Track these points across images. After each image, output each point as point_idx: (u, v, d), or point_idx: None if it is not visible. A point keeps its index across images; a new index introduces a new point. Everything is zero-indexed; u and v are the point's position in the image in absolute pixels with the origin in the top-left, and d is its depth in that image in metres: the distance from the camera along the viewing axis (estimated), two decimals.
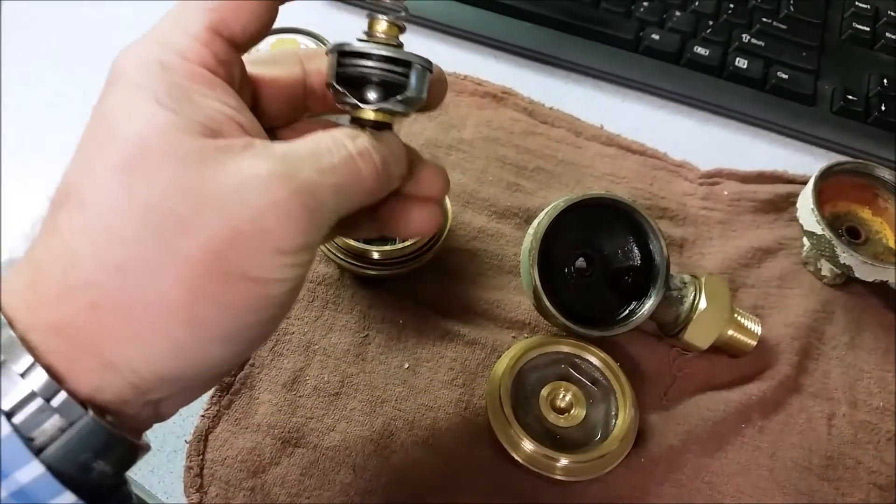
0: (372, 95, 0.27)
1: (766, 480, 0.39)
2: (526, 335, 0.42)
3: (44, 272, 0.22)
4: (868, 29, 0.58)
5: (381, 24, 0.28)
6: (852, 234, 0.46)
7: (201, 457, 0.36)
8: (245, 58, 0.28)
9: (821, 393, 0.42)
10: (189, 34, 0.25)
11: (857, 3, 0.60)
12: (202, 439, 0.37)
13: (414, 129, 0.50)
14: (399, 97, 0.27)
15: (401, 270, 0.42)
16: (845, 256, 0.43)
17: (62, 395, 0.21)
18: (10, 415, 0.21)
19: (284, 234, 0.23)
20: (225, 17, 0.25)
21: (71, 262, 0.22)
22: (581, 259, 0.42)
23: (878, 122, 0.53)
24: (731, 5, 0.57)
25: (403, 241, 0.41)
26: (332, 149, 0.25)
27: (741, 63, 0.55)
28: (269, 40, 0.48)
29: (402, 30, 0.28)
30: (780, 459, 0.39)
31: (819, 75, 0.56)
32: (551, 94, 0.53)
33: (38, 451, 0.21)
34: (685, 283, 0.41)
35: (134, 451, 0.24)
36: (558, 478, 0.36)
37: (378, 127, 0.27)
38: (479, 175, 0.48)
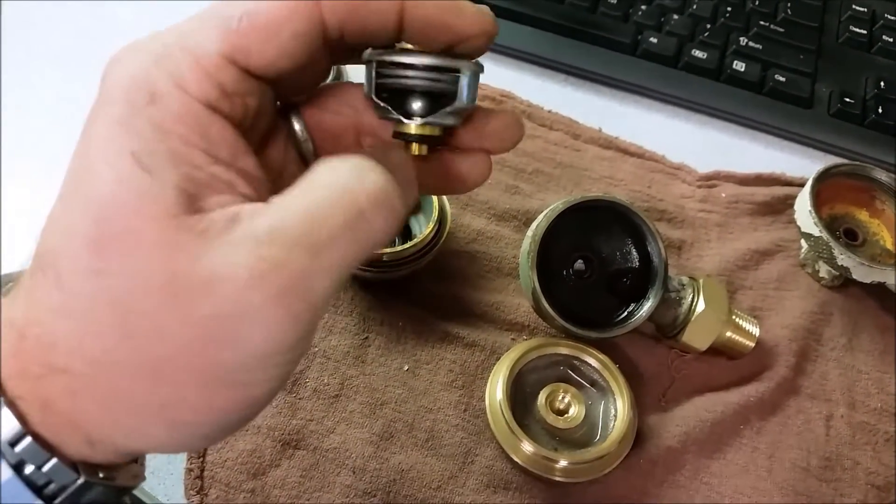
0: (417, 108, 0.24)
1: (764, 481, 0.39)
2: (525, 337, 0.42)
3: (26, 344, 0.21)
4: (865, 32, 0.59)
5: None
6: (850, 236, 0.46)
7: (202, 459, 0.36)
8: None
9: (819, 394, 0.42)
10: (195, 57, 0.21)
11: (853, 6, 0.60)
12: None
13: None
14: (448, 109, 0.24)
15: (400, 273, 0.42)
16: (843, 258, 0.43)
17: (53, 461, 0.21)
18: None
19: (265, 340, 0.20)
20: (247, 47, 0.22)
21: (50, 344, 0.20)
22: (580, 261, 0.42)
23: (874, 124, 0.54)
24: (729, 9, 0.58)
25: (403, 243, 0.41)
26: (336, 203, 0.21)
27: (738, 66, 0.55)
28: None
29: None
30: (779, 460, 0.40)
31: (816, 78, 0.56)
32: (550, 98, 0.54)
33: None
34: (683, 285, 0.41)
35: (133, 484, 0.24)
36: (558, 479, 0.36)
37: (424, 141, 0.25)
38: None
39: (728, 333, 0.41)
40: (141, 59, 0.22)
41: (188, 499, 0.36)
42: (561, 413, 0.38)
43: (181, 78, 0.21)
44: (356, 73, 0.48)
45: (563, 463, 0.36)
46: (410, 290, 0.43)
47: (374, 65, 0.24)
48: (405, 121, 0.24)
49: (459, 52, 0.24)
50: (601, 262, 0.42)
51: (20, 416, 0.21)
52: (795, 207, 0.46)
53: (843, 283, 0.46)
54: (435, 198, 0.42)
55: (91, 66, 0.56)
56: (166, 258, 0.20)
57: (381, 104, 0.24)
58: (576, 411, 0.38)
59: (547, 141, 0.51)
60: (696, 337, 0.40)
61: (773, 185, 0.51)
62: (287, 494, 0.36)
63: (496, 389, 0.38)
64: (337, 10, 0.22)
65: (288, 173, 0.26)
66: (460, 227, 0.46)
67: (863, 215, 0.47)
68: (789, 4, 0.58)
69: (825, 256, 0.44)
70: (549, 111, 0.53)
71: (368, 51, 0.24)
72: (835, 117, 0.54)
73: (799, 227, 0.45)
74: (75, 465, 0.21)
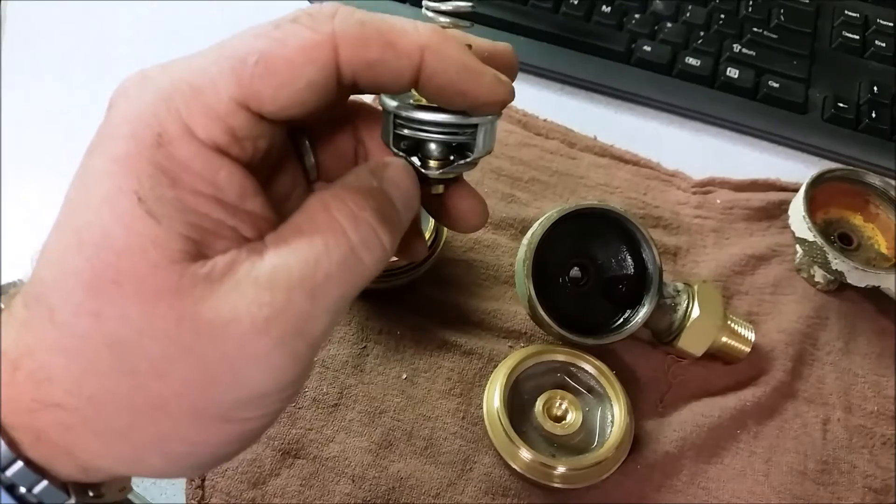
0: (434, 156, 0.25)
1: (761, 486, 0.39)
2: (522, 344, 0.43)
3: (19, 376, 0.21)
4: (858, 37, 0.59)
5: None
6: (844, 241, 0.46)
7: None
8: None
9: (815, 398, 0.42)
10: (206, 99, 0.21)
11: (846, 11, 0.60)
12: None
13: None
14: (464, 161, 0.25)
15: (398, 282, 0.42)
16: (837, 262, 0.43)
17: (44, 483, 0.21)
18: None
19: (266, 381, 0.21)
20: (260, 92, 0.21)
21: (44, 378, 0.21)
22: (575, 268, 0.42)
23: (868, 129, 0.54)
24: (722, 16, 0.58)
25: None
26: (331, 246, 0.21)
27: (732, 73, 0.55)
28: None
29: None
30: (776, 464, 0.40)
31: (810, 84, 0.56)
32: (545, 107, 0.54)
33: None
34: (678, 291, 0.41)
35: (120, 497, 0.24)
36: (556, 485, 0.36)
37: (441, 183, 0.26)
38: (474, 186, 0.49)
39: (724, 338, 0.41)
40: (149, 95, 0.21)
41: None
42: (558, 419, 0.39)
43: (191, 121, 0.21)
44: None
45: (560, 469, 0.36)
46: (408, 299, 0.43)
47: (392, 116, 0.25)
48: (423, 171, 0.25)
49: (474, 114, 0.24)
50: (597, 269, 0.42)
51: (12, 443, 0.21)
52: (790, 212, 0.46)
53: (839, 287, 0.46)
54: None
55: (91, 67, 0.56)
56: (170, 303, 0.20)
57: (400, 154, 0.25)
58: (573, 418, 0.38)
59: (543, 149, 0.52)
60: (692, 342, 0.40)
61: (768, 191, 0.51)
62: (287, 503, 0.36)
63: (494, 397, 0.38)
64: (354, 62, 0.22)
65: (296, 195, 0.27)
66: (457, 235, 0.46)
67: (857, 220, 0.48)
68: (782, 11, 0.59)
69: (820, 261, 0.44)
70: (545, 120, 0.54)
71: (387, 98, 0.25)
72: (829, 122, 0.55)
73: (794, 232, 0.45)
74: (66, 487, 0.21)
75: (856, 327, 0.46)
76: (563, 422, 0.38)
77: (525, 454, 0.36)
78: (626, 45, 0.56)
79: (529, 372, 0.40)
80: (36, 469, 0.21)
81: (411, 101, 0.25)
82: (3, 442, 0.21)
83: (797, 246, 0.46)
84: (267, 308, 0.20)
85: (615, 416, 0.39)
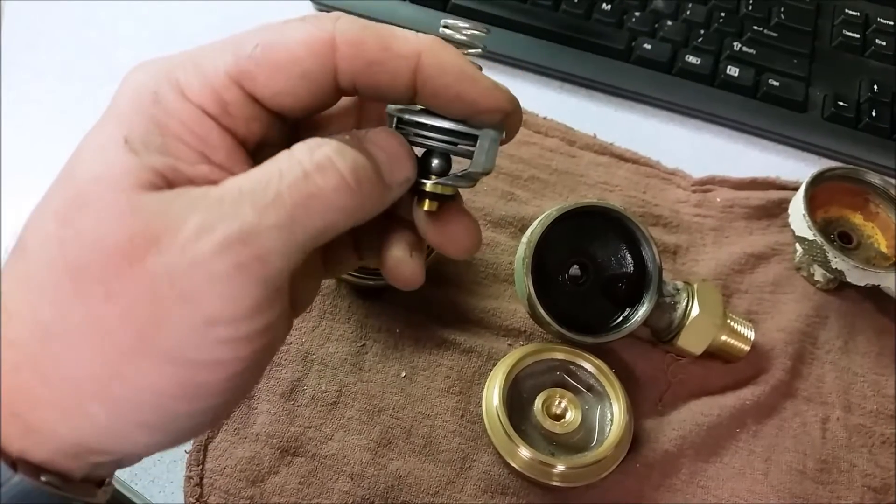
0: (433, 167, 0.24)
1: (760, 484, 0.39)
2: (521, 343, 0.43)
3: None
4: (858, 36, 0.59)
5: None
6: (844, 239, 0.46)
7: (201, 466, 0.37)
8: None
9: (815, 397, 0.42)
10: (203, 73, 0.22)
11: (846, 10, 0.60)
12: (202, 449, 0.37)
13: None
14: (460, 173, 0.24)
15: None
16: (837, 261, 0.43)
17: None
18: None
19: (216, 300, 0.19)
20: (254, 74, 0.22)
21: (7, 317, 0.20)
22: (575, 267, 0.42)
23: (868, 127, 0.54)
24: (722, 14, 0.58)
25: None
26: (284, 171, 0.21)
27: (733, 71, 0.55)
28: None
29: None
30: (775, 463, 0.40)
31: (810, 82, 0.56)
32: (545, 105, 0.54)
33: None
34: (678, 290, 0.41)
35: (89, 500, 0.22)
36: (555, 484, 0.36)
37: (436, 199, 0.25)
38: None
39: (723, 337, 0.41)
40: (154, 68, 0.22)
41: None
42: (557, 418, 0.39)
43: (187, 88, 0.22)
44: None
45: (560, 468, 0.36)
46: (407, 297, 0.43)
47: (395, 120, 0.24)
48: (419, 183, 0.25)
49: (474, 122, 0.24)
50: (596, 267, 0.42)
51: None
52: (790, 211, 0.46)
53: (839, 286, 0.46)
54: None
55: (91, 67, 0.56)
56: (128, 222, 0.20)
57: None
58: (572, 416, 0.38)
59: (542, 147, 0.52)
60: (692, 341, 0.40)
61: (768, 189, 0.51)
62: (286, 501, 0.36)
63: (493, 395, 0.38)
64: (351, 61, 0.22)
65: None
66: None
67: (857, 218, 0.48)
68: (782, 9, 0.59)
69: (820, 260, 0.44)
70: (545, 118, 0.53)
71: (392, 106, 0.25)
72: (829, 121, 0.54)
73: (793, 231, 0.45)
74: (13, 462, 0.20)
75: (855, 326, 0.46)
76: (563, 420, 0.38)
77: (524, 452, 0.36)
78: (626, 43, 0.56)
79: (529, 370, 0.40)
80: None
81: (416, 109, 0.25)
82: None
83: (797, 245, 0.46)
84: (212, 217, 0.20)
85: (614, 415, 0.38)
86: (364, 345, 0.41)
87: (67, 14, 0.56)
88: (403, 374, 0.41)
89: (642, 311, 0.40)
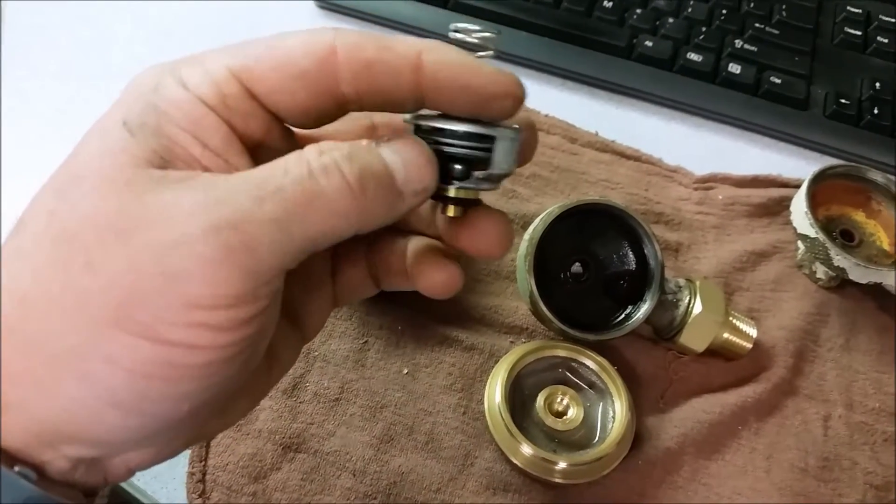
0: (453, 173, 0.24)
1: (762, 482, 0.39)
2: (523, 340, 0.43)
3: None
4: (860, 33, 0.59)
5: None
6: (846, 237, 0.46)
7: (203, 463, 0.37)
8: None
9: (816, 395, 0.42)
10: (205, 67, 0.22)
11: (848, 7, 0.60)
12: (204, 445, 0.37)
13: None
14: (480, 175, 0.24)
15: None
16: (839, 259, 0.43)
17: None
18: None
19: (199, 282, 0.19)
20: (253, 68, 0.22)
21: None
22: (577, 264, 0.42)
23: (870, 125, 0.54)
24: (724, 11, 0.58)
25: None
26: (289, 168, 0.21)
27: (734, 68, 0.55)
28: None
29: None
30: (777, 461, 0.40)
31: (811, 80, 0.56)
32: (546, 102, 0.54)
33: None
34: (680, 287, 0.41)
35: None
36: (557, 481, 0.36)
37: (460, 204, 0.25)
38: None
39: (725, 335, 0.41)
40: (158, 69, 0.23)
41: (190, 502, 0.36)
42: (559, 415, 0.39)
43: (186, 77, 0.22)
44: None
45: (561, 465, 0.36)
46: (409, 295, 0.43)
47: (413, 128, 0.24)
48: (441, 189, 0.24)
49: (487, 116, 0.24)
50: (598, 265, 0.42)
51: None
52: (791, 209, 0.46)
53: (840, 283, 0.46)
54: None
55: (91, 67, 0.56)
56: (119, 193, 0.20)
57: None
58: (574, 413, 0.38)
59: (544, 145, 0.52)
60: (694, 339, 0.40)
61: (770, 187, 0.51)
62: (288, 497, 0.36)
63: (495, 392, 0.38)
64: (350, 62, 0.22)
65: None
66: None
67: (859, 216, 0.48)
68: (784, 6, 0.59)
69: (821, 257, 0.44)
70: (546, 115, 0.53)
71: (407, 115, 0.25)
72: (830, 119, 0.54)
73: (795, 229, 0.45)
74: None
75: (857, 324, 0.46)
76: (565, 417, 0.38)
77: (526, 449, 0.36)
78: (627, 40, 0.56)
79: (531, 367, 0.40)
80: None
81: (433, 114, 0.25)
82: None
83: (798, 242, 0.46)
84: (208, 201, 0.19)
85: (616, 412, 0.38)
86: (366, 342, 0.41)
87: (68, 12, 0.56)
88: (405, 371, 0.41)
89: (644, 309, 0.40)
